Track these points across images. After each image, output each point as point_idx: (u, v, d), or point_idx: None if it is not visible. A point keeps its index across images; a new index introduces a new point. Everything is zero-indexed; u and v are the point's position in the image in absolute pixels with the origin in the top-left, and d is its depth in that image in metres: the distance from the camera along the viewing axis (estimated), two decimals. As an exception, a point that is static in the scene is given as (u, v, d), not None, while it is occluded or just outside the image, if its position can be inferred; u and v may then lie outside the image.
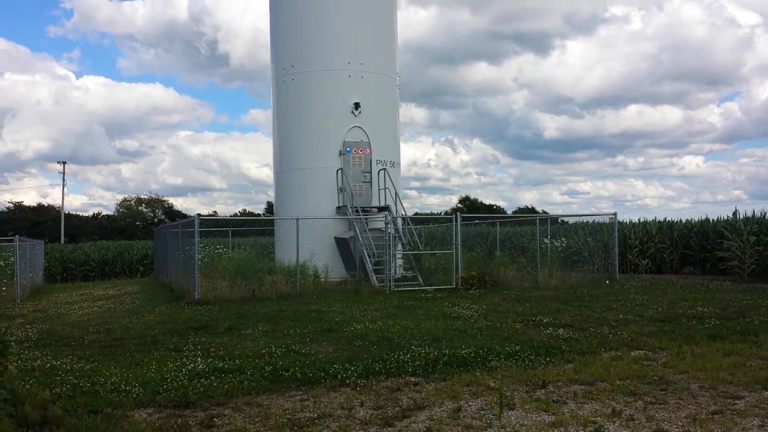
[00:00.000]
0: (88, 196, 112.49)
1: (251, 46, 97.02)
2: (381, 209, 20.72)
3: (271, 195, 30.52)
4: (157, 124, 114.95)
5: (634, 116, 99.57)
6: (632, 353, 8.73)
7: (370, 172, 21.54)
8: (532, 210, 69.12)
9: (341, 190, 21.10)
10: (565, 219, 26.46)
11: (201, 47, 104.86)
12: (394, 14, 23.41)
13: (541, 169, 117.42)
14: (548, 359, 8.39)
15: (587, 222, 23.55)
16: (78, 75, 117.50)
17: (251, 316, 12.83)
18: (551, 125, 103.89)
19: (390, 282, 17.81)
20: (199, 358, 8.69)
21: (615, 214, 21.38)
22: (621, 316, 12.03)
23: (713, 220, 25.91)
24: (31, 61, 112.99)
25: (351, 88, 21.61)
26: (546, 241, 21.17)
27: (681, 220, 27.62)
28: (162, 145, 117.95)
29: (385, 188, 21.41)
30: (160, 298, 17.91)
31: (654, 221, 28.14)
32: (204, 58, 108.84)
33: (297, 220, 17.92)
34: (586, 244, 22.20)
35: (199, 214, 17.91)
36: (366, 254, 19.10)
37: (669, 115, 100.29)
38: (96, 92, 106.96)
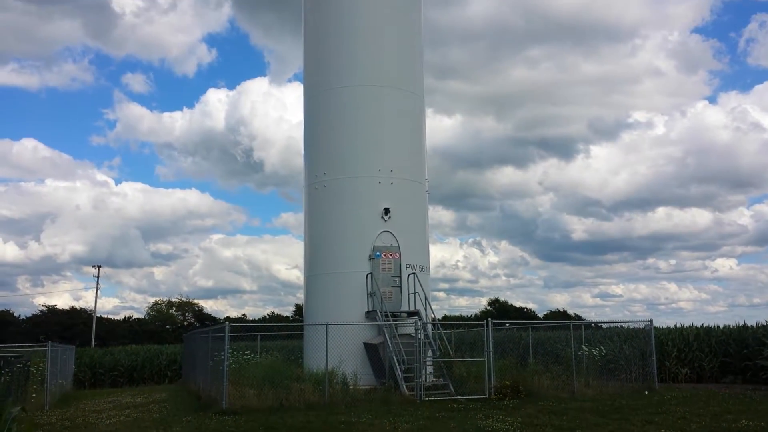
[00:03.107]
0: (121, 299, 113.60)
1: (285, 153, 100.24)
2: (411, 314, 20.55)
3: (299, 297, 30.58)
4: (191, 228, 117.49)
5: (662, 219, 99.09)
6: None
7: (400, 277, 21.55)
8: (564, 313, 67.79)
9: (371, 294, 21.07)
10: (600, 324, 25.88)
11: (237, 154, 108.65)
12: (422, 123, 24.15)
13: (571, 271, 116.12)
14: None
15: (622, 328, 22.98)
16: (117, 181, 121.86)
17: (280, 427, 12.53)
18: (579, 227, 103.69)
19: (420, 390, 17.37)
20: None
21: (651, 321, 20.90)
22: (663, 430, 11.50)
23: (752, 326, 25.12)
24: (73, 168, 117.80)
25: (381, 194, 22.03)
26: (584, 347, 20.63)
27: (718, 326, 26.80)
28: (195, 248, 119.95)
29: (414, 293, 21.33)
30: (187, 407, 17.65)
31: (691, 327, 27.34)
32: (240, 165, 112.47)
33: (327, 326, 17.79)
34: (622, 351, 21.57)
35: (228, 318, 17.95)
36: (395, 361, 18.78)
37: (698, 218, 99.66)
38: (134, 197, 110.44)
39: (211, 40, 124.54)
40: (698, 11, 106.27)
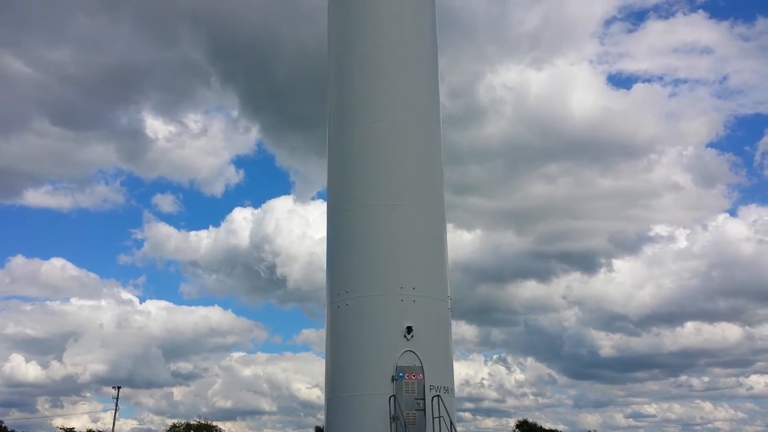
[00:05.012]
0: (139, 421, 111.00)
1: (307, 269, 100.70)
2: (436, 440, 19.68)
3: (320, 418, 29.59)
4: (212, 346, 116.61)
5: (692, 334, 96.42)
6: None
7: (424, 399, 20.83)
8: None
9: (394, 418, 20.30)
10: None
11: (260, 271, 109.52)
12: (444, 240, 24.21)
13: (602, 389, 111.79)
14: None
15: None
16: (141, 300, 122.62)
17: None
18: (607, 343, 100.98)
19: None
20: None
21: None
22: None
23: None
24: (99, 286, 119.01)
25: (403, 313, 21.74)
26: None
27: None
28: (215, 367, 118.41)
29: (439, 417, 20.53)
30: None
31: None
32: (263, 282, 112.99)
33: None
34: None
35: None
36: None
37: (729, 333, 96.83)
38: (157, 316, 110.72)
39: (239, 161, 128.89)
40: (712, 127, 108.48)
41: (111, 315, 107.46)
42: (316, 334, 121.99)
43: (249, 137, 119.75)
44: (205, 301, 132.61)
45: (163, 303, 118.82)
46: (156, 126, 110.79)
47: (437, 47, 26.11)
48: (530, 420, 72.38)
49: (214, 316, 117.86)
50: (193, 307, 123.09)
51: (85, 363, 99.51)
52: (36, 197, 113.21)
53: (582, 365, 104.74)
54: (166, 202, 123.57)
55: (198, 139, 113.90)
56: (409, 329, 21.46)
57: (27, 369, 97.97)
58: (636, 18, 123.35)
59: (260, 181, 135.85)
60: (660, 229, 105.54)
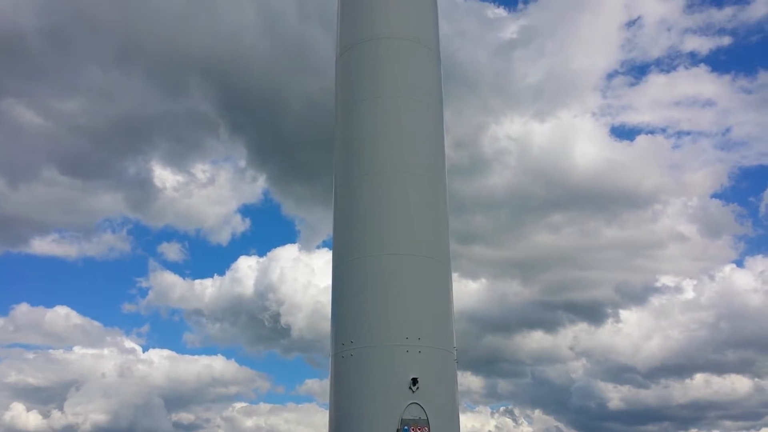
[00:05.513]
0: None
1: (311, 318, 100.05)
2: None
3: (323, 475, 28.96)
4: (215, 396, 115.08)
5: (701, 386, 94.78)
6: None
7: (429, 454, 20.44)
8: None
9: (399, 473, 19.90)
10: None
11: (265, 320, 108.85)
12: (449, 289, 24.14)
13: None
14: None
15: None
16: (145, 348, 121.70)
17: None
18: (615, 395, 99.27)
19: None
20: None
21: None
22: None
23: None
24: (102, 335, 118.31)
25: (409, 364, 21.49)
26: None
27: None
28: (217, 418, 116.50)
29: (445, 471, 20.11)
30: None
31: None
32: (267, 330, 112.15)
33: None
34: None
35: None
36: None
37: (738, 385, 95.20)
38: (160, 365, 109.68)
39: (245, 210, 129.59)
40: (716, 178, 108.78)
41: (113, 364, 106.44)
42: (319, 385, 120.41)
43: (256, 186, 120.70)
44: (209, 350, 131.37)
45: (166, 352, 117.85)
46: (164, 175, 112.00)
47: (443, 100, 26.54)
48: (538, 475, 70.76)
49: (217, 365, 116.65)
50: (196, 356, 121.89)
51: (86, 412, 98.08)
52: (43, 245, 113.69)
53: (590, 418, 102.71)
54: (172, 250, 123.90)
55: (205, 188, 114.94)
56: (415, 381, 21.18)
57: (27, 418, 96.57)
58: (638, 72, 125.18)
59: (266, 230, 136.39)
60: (666, 280, 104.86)
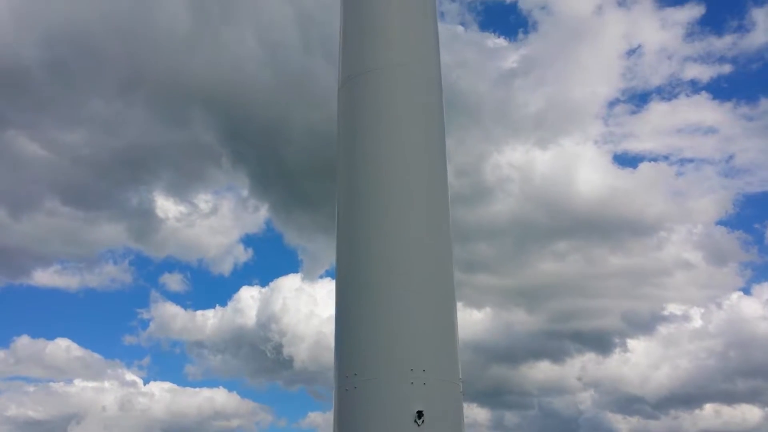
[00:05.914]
0: None
1: (314, 349, 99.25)
2: None
3: None
4: (216, 429, 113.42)
5: (711, 416, 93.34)
6: None
7: (436, 489, 19.94)
8: None
9: None
10: None
11: (267, 351, 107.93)
12: (454, 319, 23.79)
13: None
14: None
15: None
16: (146, 381, 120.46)
17: None
18: (624, 426, 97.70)
19: None
20: None
21: None
22: None
23: None
24: (103, 367, 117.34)
25: (413, 396, 21.05)
26: None
27: None
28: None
29: (452, 508, 19.58)
30: None
31: None
32: (269, 362, 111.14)
33: None
34: None
35: None
36: None
37: (749, 414, 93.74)
38: (161, 397, 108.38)
39: (247, 240, 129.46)
40: (721, 205, 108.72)
41: (114, 397, 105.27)
42: (322, 418, 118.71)
43: (258, 216, 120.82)
44: (210, 382, 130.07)
45: (167, 384, 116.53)
46: (166, 206, 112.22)
47: (445, 128, 26.54)
48: None
49: (219, 398, 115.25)
50: (197, 389, 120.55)
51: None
52: (44, 277, 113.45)
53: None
54: (173, 281, 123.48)
55: (208, 218, 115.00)
56: (420, 414, 20.75)
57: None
58: (639, 100, 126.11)
59: (268, 260, 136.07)
60: (674, 308, 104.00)
